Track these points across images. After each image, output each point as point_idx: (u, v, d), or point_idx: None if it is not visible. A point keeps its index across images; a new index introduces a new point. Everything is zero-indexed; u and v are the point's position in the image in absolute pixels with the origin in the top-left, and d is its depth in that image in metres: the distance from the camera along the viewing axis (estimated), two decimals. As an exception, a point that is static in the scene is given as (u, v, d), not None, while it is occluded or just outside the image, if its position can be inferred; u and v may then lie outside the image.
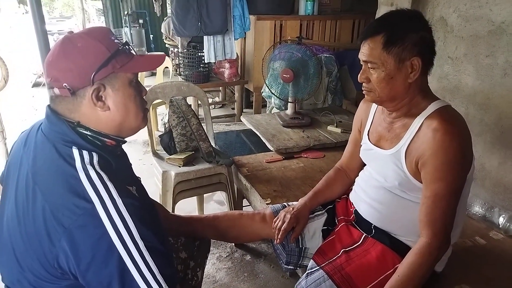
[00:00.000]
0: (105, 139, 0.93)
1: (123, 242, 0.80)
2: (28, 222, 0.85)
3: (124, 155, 1.05)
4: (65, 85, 0.85)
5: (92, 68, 0.86)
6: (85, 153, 0.87)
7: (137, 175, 1.07)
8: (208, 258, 1.52)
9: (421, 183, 1.11)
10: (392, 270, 1.15)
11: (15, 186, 0.92)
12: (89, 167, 0.84)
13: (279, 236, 1.34)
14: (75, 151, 0.86)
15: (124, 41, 0.93)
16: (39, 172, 0.87)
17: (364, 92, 1.18)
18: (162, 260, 0.85)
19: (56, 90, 0.87)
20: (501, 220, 1.65)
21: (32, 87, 5.81)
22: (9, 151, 2.57)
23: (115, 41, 0.91)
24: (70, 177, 0.83)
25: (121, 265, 0.80)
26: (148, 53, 1.00)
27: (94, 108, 0.89)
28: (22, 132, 1.02)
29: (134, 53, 0.94)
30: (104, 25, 7.50)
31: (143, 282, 0.81)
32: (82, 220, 0.80)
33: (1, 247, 0.95)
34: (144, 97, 0.99)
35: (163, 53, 1.08)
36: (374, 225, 1.26)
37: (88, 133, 0.90)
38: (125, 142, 1.00)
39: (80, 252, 0.80)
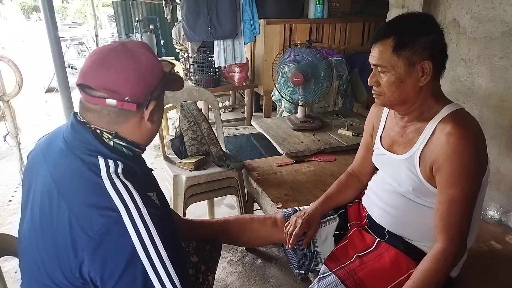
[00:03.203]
0: (136, 149, 0.95)
1: (147, 252, 0.81)
2: (51, 231, 0.85)
3: (144, 162, 1.06)
4: (127, 99, 0.85)
5: (154, 85, 0.89)
6: (110, 162, 0.87)
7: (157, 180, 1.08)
8: (219, 262, 1.51)
9: (436, 188, 1.09)
10: (406, 275, 1.13)
11: (35, 194, 0.92)
12: (114, 176, 0.85)
13: (290, 242, 1.33)
14: (101, 160, 0.86)
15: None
16: (63, 180, 0.87)
17: (374, 95, 1.17)
18: (180, 270, 0.86)
19: (112, 101, 0.85)
20: (517, 224, 1.62)
21: (45, 92, 5.91)
22: (23, 155, 2.61)
23: None
24: (95, 186, 0.83)
25: (143, 275, 0.80)
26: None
27: (142, 121, 0.91)
28: (40, 139, 1.01)
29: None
30: (115, 31, 7.60)
31: None
32: (107, 229, 0.79)
33: (23, 255, 0.95)
34: None
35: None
36: (388, 230, 1.25)
37: (123, 143, 0.91)
38: (145, 150, 1.01)
39: (104, 261, 0.79)
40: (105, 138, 0.89)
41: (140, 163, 0.97)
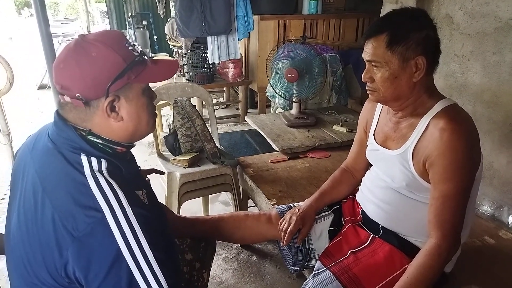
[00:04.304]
0: (116, 146, 0.92)
1: (132, 252, 0.79)
2: (36, 230, 0.84)
3: (132, 159, 1.04)
4: (78, 95, 0.83)
5: (107, 80, 0.83)
6: (93, 159, 0.85)
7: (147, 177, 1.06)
8: (214, 259, 1.51)
9: (429, 183, 1.10)
10: (400, 271, 1.13)
11: (22, 192, 0.90)
12: (98, 174, 0.83)
13: (285, 238, 1.33)
14: (84, 158, 0.85)
15: (139, 49, 0.90)
16: (48, 178, 0.85)
17: (368, 91, 1.17)
18: (169, 270, 0.84)
19: (67, 98, 0.85)
20: (510, 219, 1.63)
21: (38, 89, 5.85)
22: (15, 153, 2.59)
23: (130, 48, 0.87)
24: (79, 185, 0.82)
25: (129, 275, 0.79)
26: (160, 59, 0.96)
27: (107, 119, 0.87)
28: (29, 136, 1.00)
29: (148, 61, 0.91)
30: (108, 27, 7.54)
31: None
32: (91, 229, 0.78)
33: (10, 254, 0.94)
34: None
35: (176, 59, 1.06)
36: (382, 226, 1.25)
37: (99, 141, 0.89)
38: (134, 146, 0.99)
39: (88, 262, 0.79)
40: (79, 133, 0.88)
41: (125, 161, 0.95)
